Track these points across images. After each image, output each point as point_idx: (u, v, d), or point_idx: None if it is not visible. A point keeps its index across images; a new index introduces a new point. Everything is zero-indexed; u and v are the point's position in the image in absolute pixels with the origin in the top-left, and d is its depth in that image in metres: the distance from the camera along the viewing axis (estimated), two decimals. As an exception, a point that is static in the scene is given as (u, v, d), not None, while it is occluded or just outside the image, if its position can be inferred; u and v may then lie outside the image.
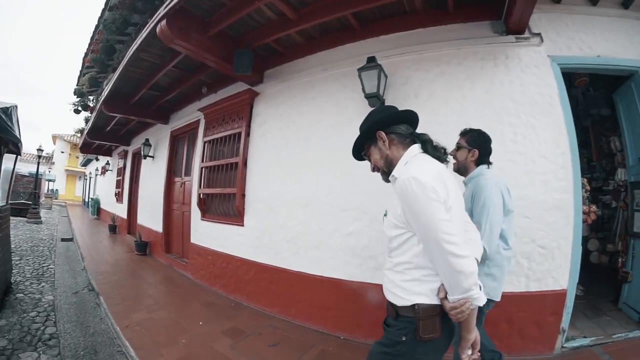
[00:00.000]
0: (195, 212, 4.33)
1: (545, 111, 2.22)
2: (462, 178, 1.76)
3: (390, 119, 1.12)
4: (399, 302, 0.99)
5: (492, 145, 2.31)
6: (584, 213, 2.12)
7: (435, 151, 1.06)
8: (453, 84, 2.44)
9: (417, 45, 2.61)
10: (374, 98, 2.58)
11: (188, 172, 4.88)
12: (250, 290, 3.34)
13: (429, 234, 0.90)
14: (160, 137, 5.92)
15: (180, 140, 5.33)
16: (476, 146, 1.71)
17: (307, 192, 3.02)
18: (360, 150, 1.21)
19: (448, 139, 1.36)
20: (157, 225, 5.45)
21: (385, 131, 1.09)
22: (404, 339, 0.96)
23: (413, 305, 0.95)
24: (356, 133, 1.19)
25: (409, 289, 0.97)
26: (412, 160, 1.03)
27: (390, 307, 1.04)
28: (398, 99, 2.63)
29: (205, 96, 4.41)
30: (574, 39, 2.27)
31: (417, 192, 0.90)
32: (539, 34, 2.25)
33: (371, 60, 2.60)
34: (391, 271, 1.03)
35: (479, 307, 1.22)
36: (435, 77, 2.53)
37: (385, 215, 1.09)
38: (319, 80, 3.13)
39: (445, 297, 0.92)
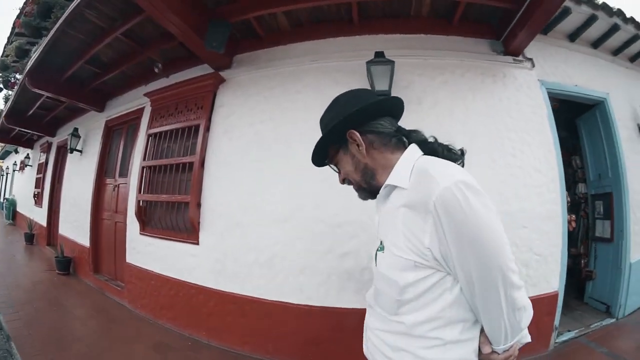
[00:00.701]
0: (133, 223, 3.37)
1: (537, 129, 2.45)
2: None
3: (367, 112, 0.78)
4: None
5: (495, 158, 2.49)
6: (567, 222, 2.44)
7: (451, 154, 0.77)
8: (457, 94, 2.47)
9: (421, 50, 2.57)
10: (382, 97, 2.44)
11: (124, 173, 3.91)
12: (212, 325, 2.67)
13: (493, 265, 0.60)
14: (92, 127, 4.85)
15: (117, 133, 4.38)
16: None
17: (288, 205, 2.57)
18: (323, 157, 0.88)
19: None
20: (84, 238, 4.41)
21: (360, 130, 0.77)
22: None
23: None
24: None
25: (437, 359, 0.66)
26: (425, 163, 0.70)
27: None
28: (401, 104, 2.57)
29: (155, 79, 3.53)
30: (558, 68, 2.62)
31: (475, 205, 0.59)
32: (531, 59, 2.51)
33: (380, 55, 2.43)
34: (398, 335, 0.70)
35: None
36: (439, 85, 2.52)
37: (380, 249, 0.74)
38: (305, 72, 2.77)
39: (492, 351, 0.69)
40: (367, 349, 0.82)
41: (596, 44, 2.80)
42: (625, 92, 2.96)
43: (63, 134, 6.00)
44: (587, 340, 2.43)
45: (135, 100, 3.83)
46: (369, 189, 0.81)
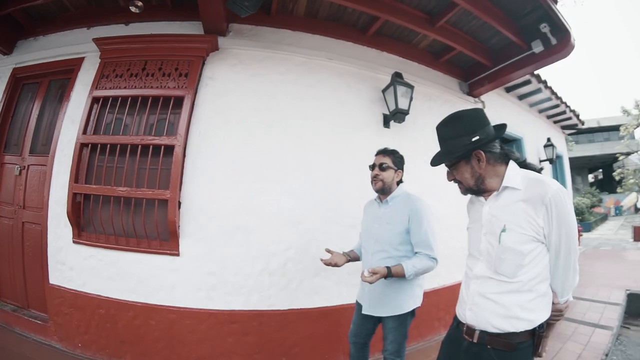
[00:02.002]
0: (60, 226, 2.26)
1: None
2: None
3: (494, 139, 1.10)
4: (523, 327, 1.01)
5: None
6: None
7: (536, 169, 1.14)
8: (438, 120, 3.18)
9: (415, 76, 3.06)
10: (398, 114, 2.78)
11: (40, 149, 2.64)
12: (204, 353, 2.22)
13: (572, 240, 1.00)
14: (-12, 77, 2.84)
15: (30, 89, 2.93)
16: (401, 167, 1.77)
17: (302, 206, 2.52)
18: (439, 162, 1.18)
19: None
20: None
21: (484, 150, 1.08)
22: None
23: (534, 328, 1.02)
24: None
25: (535, 309, 1.02)
26: (531, 174, 1.07)
27: (498, 341, 1.03)
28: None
29: (104, 23, 2.54)
30: (497, 110, 3.77)
31: (568, 204, 0.99)
32: (483, 102, 3.54)
33: (398, 76, 2.79)
34: (511, 294, 1.02)
35: (407, 318, 1.66)
36: (426, 110, 3.14)
37: (504, 231, 1.04)
38: (319, 67, 2.76)
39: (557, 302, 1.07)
40: (472, 314, 1.09)
41: (521, 97, 4.29)
42: (534, 135, 4.63)
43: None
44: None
45: (70, 45, 2.58)
46: (476, 190, 1.12)
